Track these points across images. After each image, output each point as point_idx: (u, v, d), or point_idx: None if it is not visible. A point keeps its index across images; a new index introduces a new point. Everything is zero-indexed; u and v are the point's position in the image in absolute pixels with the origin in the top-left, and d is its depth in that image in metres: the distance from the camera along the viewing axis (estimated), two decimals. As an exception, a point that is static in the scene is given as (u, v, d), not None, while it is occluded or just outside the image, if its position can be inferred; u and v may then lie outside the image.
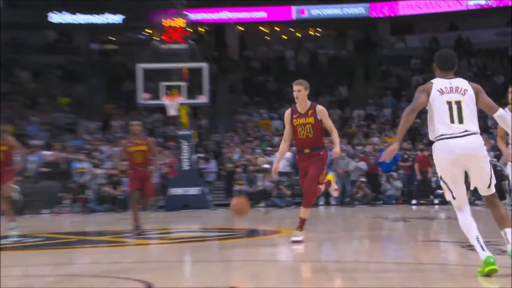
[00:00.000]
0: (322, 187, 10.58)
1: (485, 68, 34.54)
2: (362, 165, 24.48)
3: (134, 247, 11.20)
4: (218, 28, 38.60)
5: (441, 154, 6.22)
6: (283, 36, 39.95)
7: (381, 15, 36.65)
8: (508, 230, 5.96)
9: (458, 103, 6.08)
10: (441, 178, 6.35)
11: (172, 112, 23.03)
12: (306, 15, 37.24)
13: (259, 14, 37.52)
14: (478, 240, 6.02)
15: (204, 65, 24.04)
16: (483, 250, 5.93)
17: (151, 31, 33.48)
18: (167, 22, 26.92)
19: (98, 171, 24.74)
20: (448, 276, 6.60)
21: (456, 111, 6.06)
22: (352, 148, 26.79)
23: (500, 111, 6.42)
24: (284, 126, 11.04)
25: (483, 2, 35.22)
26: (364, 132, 29.32)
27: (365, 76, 35.90)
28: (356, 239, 12.80)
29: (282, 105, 33.03)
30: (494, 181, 6.24)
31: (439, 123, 6.09)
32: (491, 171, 6.22)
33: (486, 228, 8.16)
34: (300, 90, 10.06)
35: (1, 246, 12.01)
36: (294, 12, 37.21)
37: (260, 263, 9.04)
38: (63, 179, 24.22)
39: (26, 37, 37.03)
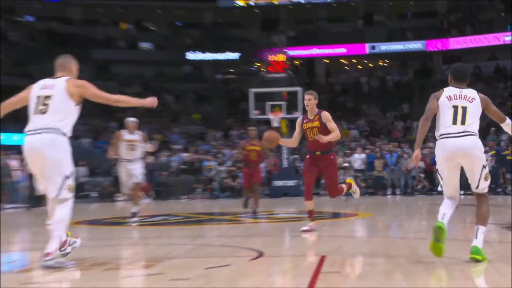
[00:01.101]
0: (344, 187, 9.59)
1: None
2: (421, 163, 23.91)
3: (248, 224, 11.27)
4: (309, 61, 38.44)
5: (439, 151, 5.60)
6: (358, 66, 39.50)
7: (435, 49, 35.77)
8: (480, 227, 5.45)
9: (464, 108, 5.44)
10: (438, 173, 5.75)
11: (275, 124, 23.16)
12: (376, 50, 36.73)
13: (340, 50, 37.20)
14: (444, 216, 5.64)
15: (298, 89, 24.03)
16: (442, 219, 5.62)
17: (260, 64, 33.65)
18: (271, 57, 27.07)
19: (221, 168, 25.10)
20: (491, 250, 6.34)
21: (460, 115, 5.42)
22: (413, 151, 26.20)
23: (508, 120, 5.81)
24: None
25: (516, 38, 33.90)
26: None
27: (422, 96, 35.16)
28: (416, 221, 12.51)
29: (358, 118, 32.67)
30: (483, 185, 5.62)
31: (443, 124, 5.48)
32: (481, 174, 5.58)
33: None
34: (310, 99, 9.23)
35: (151, 222, 12.29)
36: (367, 48, 36.76)
37: (342, 238, 8.89)
38: (196, 173, 24.66)
39: (170, 71, 38.04)
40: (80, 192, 24.09)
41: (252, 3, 38.44)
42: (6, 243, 8.67)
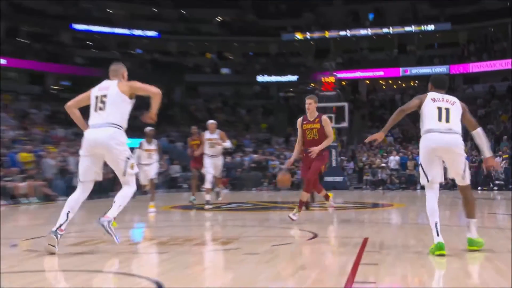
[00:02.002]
0: (324, 192, 8.78)
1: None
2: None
3: (304, 211, 11.16)
4: (353, 82, 37.91)
5: (425, 143, 4.98)
6: (393, 86, 38.64)
7: (457, 72, 34.60)
8: (471, 220, 4.92)
9: (447, 110, 4.91)
10: (420, 164, 5.08)
11: (285, 167, 23.04)
12: (408, 73, 35.86)
13: (379, 73, 36.54)
14: (436, 226, 4.92)
15: (345, 104, 23.65)
16: (438, 235, 4.85)
17: (314, 84, 33.38)
18: (323, 79, 26.84)
19: (282, 166, 25.04)
20: (504, 235, 6.06)
21: (444, 114, 4.89)
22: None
23: (479, 129, 5.18)
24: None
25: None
26: None
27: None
28: (441, 211, 12.06)
29: (393, 128, 31.83)
30: (468, 175, 5.03)
31: (429, 121, 4.91)
32: (465, 166, 5.00)
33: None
34: (311, 103, 8.27)
35: (228, 208, 12.32)
36: (401, 71, 35.95)
37: (380, 224, 8.70)
38: (263, 170, 24.68)
39: (244, 90, 38.31)
40: (175, 184, 24.58)
41: (308, 36, 38.23)
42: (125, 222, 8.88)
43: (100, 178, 5.36)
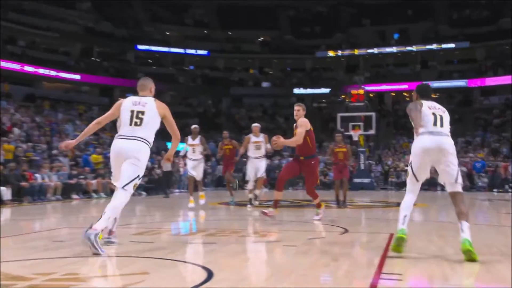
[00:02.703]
0: (318, 200, 7.82)
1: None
2: (463, 168, 22.52)
3: (336, 209, 10.98)
4: (380, 94, 37.33)
5: (418, 143, 4.64)
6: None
7: (475, 86, 33.58)
8: (463, 222, 4.46)
9: (441, 116, 4.66)
10: (410, 164, 4.74)
11: (355, 138, 22.62)
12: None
13: (403, 86, 35.80)
14: (404, 218, 4.66)
15: (373, 114, 23.32)
16: (402, 224, 4.62)
17: (344, 96, 33.06)
18: (353, 91, 26.52)
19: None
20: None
21: (439, 120, 4.63)
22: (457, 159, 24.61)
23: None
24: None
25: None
26: (464, 150, 26.89)
27: (463, 121, 33.10)
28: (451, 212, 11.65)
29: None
30: (460, 179, 4.64)
31: (425, 124, 4.60)
32: (458, 169, 4.66)
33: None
34: (299, 110, 7.44)
35: (268, 205, 12.19)
36: None
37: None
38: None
39: (282, 101, 38.22)
40: (221, 182, 24.74)
41: (339, 54, 37.92)
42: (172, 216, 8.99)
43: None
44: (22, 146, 16.67)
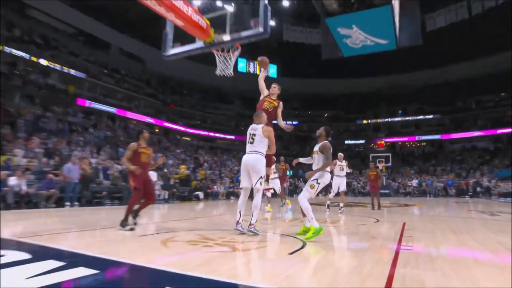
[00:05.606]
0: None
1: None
2: (441, 184, 20.88)
3: (371, 210, 8.85)
4: (393, 143, 31.25)
5: (327, 177, 4.31)
6: (413, 144, 32.86)
7: (445, 138, 29.37)
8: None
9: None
10: (317, 183, 4.14)
11: (380, 168, 19.60)
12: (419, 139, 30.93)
13: (405, 139, 30.44)
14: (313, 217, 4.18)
15: (389, 154, 22.15)
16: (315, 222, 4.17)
17: (373, 144, 30.49)
18: (378, 142, 25.86)
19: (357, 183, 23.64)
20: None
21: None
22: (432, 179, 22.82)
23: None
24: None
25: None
26: (441, 174, 24.90)
27: (439, 157, 29.14)
28: (442, 208, 9.92)
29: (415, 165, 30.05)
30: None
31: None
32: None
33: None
34: (275, 87, 4.72)
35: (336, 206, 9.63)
36: (416, 138, 31.90)
37: (410, 215, 7.43)
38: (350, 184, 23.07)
39: (337, 147, 31.39)
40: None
41: (369, 121, 32.93)
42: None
43: (249, 186, 4.64)
44: (207, 172, 18.05)
